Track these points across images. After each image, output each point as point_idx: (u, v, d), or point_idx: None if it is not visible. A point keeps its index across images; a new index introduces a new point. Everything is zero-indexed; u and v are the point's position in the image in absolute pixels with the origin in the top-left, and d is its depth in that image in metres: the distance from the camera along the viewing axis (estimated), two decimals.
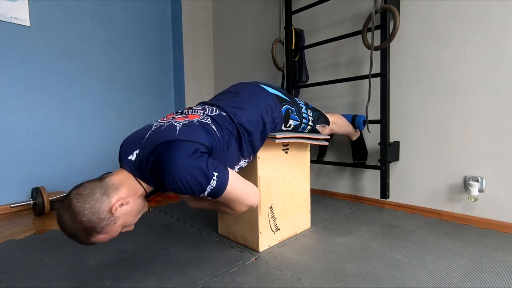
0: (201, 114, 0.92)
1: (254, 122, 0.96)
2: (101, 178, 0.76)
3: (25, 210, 1.70)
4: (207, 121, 0.88)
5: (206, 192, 0.77)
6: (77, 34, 1.94)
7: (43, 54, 1.80)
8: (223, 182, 0.78)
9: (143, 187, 0.79)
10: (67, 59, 1.90)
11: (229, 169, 0.83)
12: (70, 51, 1.91)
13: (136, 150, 0.80)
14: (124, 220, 0.76)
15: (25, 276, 0.92)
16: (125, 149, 0.82)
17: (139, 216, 0.82)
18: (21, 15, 1.71)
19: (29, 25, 1.74)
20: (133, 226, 0.82)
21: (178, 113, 0.95)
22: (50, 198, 1.63)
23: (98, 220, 0.70)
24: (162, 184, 0.76)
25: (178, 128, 0.80)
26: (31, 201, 1.61)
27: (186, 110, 0.97)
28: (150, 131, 0.82)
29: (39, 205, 1.54)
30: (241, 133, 0.93)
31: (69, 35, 1.90)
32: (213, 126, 0.87)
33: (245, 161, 0.98)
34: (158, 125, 0.85)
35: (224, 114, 0.93)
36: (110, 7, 2.09)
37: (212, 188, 0.77)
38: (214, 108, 0.95)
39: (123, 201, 0.74)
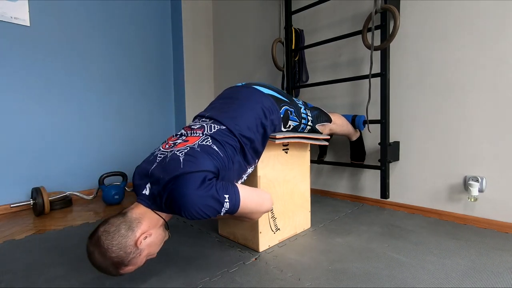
0: (201, 135, 0.92)
1: (254, 128, 0.97)
2: (123, 213, 0.81)
3: (25, 210, 1.70)
4: (208, 142, 0.88)
5: (222, 213, 0.82)
6: (77, 34, 1.94)
7: (43, 54, 1.80)
8: (235, 202, 0.83)
9: (162, 218, 0.84)
10: (67, 59, 1.90)
11: (238, 185, 0.87)
12: (70, 51, 1.91)
13: (147, 184, 0.84)
14: (148, 251, 0.81)
15: (25, 276, 0.92)
16: (137, 184, 0.87)
17: (162, 244, 0.87)
18: (21, 15, 1.71)
19: (29, 25, 1.74)
20: (156, 254, 0.87)
21: (178, 136, 0.95)
22: (50, 198, 1.63)
23: (125, 254, 0.75)
24: (180, 215, 0.81)
25: (181, 160, 0.82)
26: (31, 201, 1.61)
27: (185, 132, 0.96)
28: (156, 164, 0.85)
29: (39, 205, 1.54)
30: (243, 143, 0.94)
31: (69, 35, 1.90)
32: (215, 147, 0.88)
33: (251, 168, 1.01)
34: (162, 155, 0.87)
35: (223, 127, 0.94)
36: (110, 7, 2.10)
37: (226, 209, 0.82)
38: (212, 125, 0.95)
39: (146, 234, 0.79)
